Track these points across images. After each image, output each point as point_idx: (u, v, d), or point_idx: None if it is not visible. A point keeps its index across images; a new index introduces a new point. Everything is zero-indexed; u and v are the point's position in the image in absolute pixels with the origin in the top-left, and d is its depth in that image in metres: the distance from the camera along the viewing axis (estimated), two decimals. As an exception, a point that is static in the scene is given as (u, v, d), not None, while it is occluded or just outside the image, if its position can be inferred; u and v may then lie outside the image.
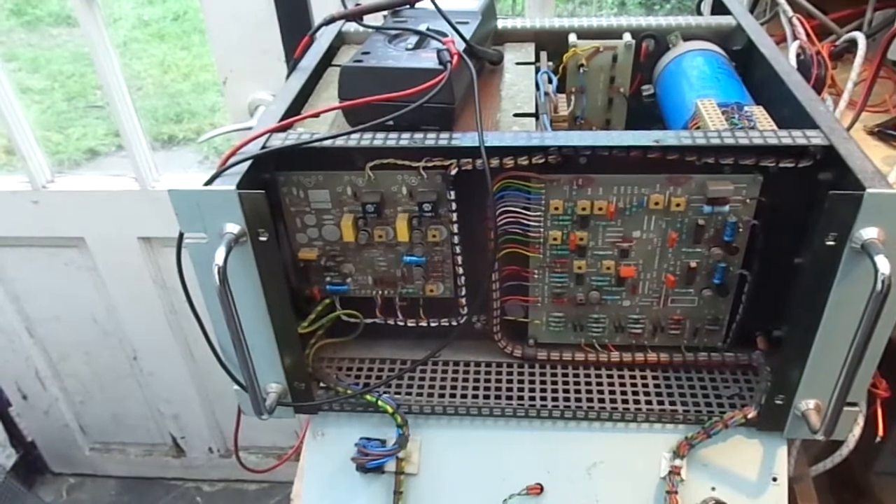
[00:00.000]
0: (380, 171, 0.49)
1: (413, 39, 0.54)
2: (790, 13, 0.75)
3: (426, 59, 0.51)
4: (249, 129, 0.62)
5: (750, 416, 0.51)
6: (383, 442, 0.55)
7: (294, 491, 0.67)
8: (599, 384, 0.56)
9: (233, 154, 0.47)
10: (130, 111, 1.19)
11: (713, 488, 0.53)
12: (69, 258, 1.37)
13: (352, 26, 0.68)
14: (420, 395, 0.56)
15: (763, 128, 0.50)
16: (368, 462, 0.54)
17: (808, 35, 0.72)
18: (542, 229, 0.51)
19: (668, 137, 0.46)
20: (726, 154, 0.46)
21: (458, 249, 0.52)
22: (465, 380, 0.57)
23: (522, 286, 0.55)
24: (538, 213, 0.50)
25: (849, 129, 0.61)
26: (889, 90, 0.75)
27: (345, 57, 0.66)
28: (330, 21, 0.61)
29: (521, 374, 0.57)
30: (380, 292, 0.56)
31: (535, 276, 0.54)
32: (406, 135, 0.48)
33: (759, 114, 0.52)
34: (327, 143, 0.48)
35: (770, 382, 0.50)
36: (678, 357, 0.56)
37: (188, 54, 2.59)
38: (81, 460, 1.72)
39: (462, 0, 0.63)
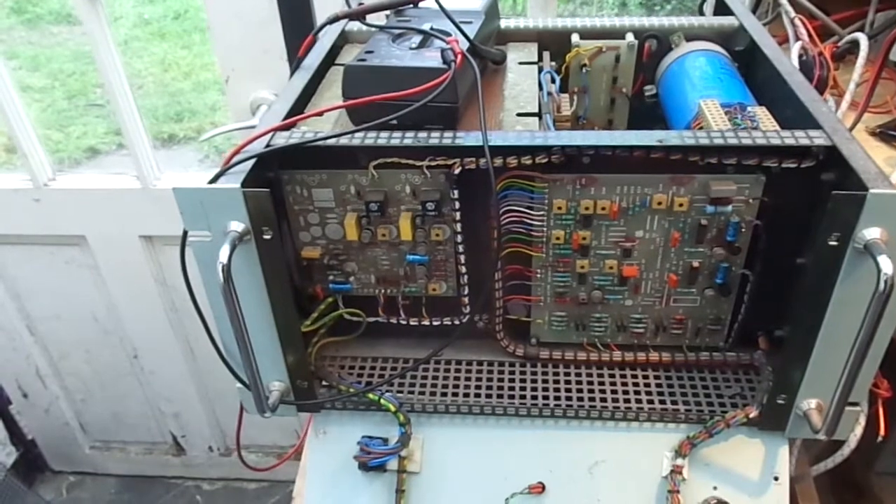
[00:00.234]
0: (383, 170, 0.49)
1: (417, 39, 0.54)
2: (792, 14, 0.75)
3: (430, 58, 0.51)
4: (251, 128, 0.63)
5: (752, 415, 0.51)
6: (385, 440, 0.55)
7: (296, 489, 0.67)
8: (601, 383, 0.56)
9: (237, 152, 0.47)
10: (132, 109, 1.19)
11: (715, 487, 0.53)
12: (70, 256, 1.37)
13: (355, 25, 0.68)
14: (422, 393, 0.56)
15: (766, 128, 0.50)
16: (371, 460, 0.54)
17: (810, 36, 0.72)
18: (545, 229, 0.51)
19: (671, 137, 0.46)
20: (729, 154, 0.46)
21: (461, 248, 0.52)
22: (468, 379, 0.57)
23: (525, 285, 0.55)
24: (541, 213, 0.51)
25: (851, 129, 0.61)
26: (891, 91, 0.76)
27: (348, 56, 0.66)
28: (333, 20, 0.61)
29: (523, 373, 0.57)
30: (383, 291, 0.56)
31: (538, 276, 0.54)
32: (410, 134, 0.48)
33: (762, 114, 0.52)
34: (331, 141, 0.48)
35: (772, 382, 0.51)
36: (680, 357, 0.56)
37: (189, 53, 2.59)
38: (82, 458, 1.72)
39: (465, 0, 0.63)
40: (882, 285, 0.40)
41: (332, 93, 0.59)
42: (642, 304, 0.55)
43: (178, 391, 1.56)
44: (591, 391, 0.55)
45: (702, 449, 0.53)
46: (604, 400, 0.55)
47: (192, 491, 1.70)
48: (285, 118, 0.52)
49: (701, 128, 0.52)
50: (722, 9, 0.72)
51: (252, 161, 0.47)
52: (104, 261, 1.36)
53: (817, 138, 0.45)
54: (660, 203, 0.49)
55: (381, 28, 0.58)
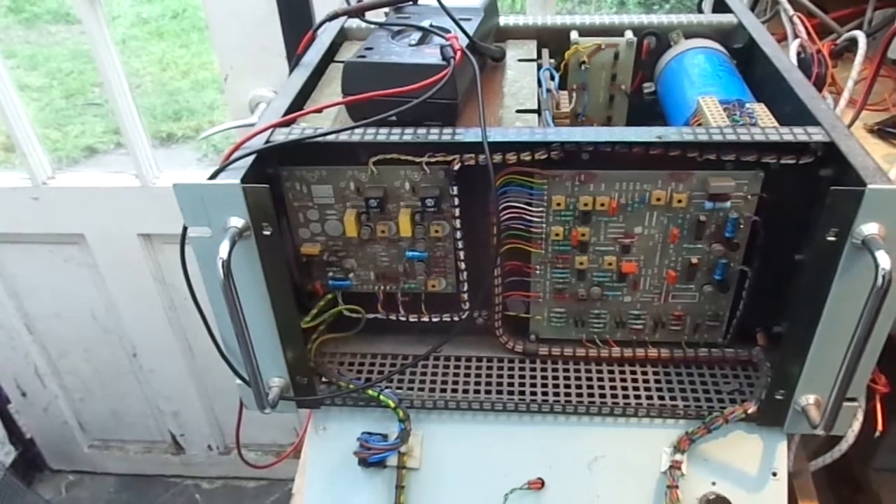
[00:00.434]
0: (383, 167, 0.49)
1: (416, 35, 0.55)
2: (791, 12, 0.75)
3: (429, 54, 0.51)
4: (250, 125, 0.62)
5: (750, 411, 0.51)
6: (385, 436, 0.55)
7: (296, 486, 0.68)
8: (600, 379, 0.56)
9: (236, 149, 0.48)
10: (131, 107, 1.19)
11: (713, 483, 0.53)
12: (69, 255, 1.37)
13: (354, 22, 0.68)
14: (422, 390, 0.56)
15: (764, 125, 0.50)
16: (371, 456, 0.54)
17: (808, 33, 0.73)
18: (544, 225, 0.51)
19: (670, 133, 0.46)
20: (728, 150, 0.46)
21: (460, 245, 0.52)
22: (467, 375, 0.57)
23: (524, 282, 0.55)
24: (540, 209, 0.51)
25: (849, 127, 0.61)
26: (889, 89, 0.76)
27: (347, 53, 0.66)
28: (333, 17, 0.62)
29: (522, 369, 0.57)
30: (382, 287, 0.56)
31: (537, 272, 0.54)
32: (409, 130, 0.48)
33: (761, 111, 0.52)
34: (331, 138, 0.48)
35: (770, 378, 0.51)
36: (679, 353, 0.56)
37: (187, 52, 2.59)
38: (80, 457, 1.72)
39: (464, -3, 0.63)
40: (880, 280, 0.40)
41: (331, 89, 0.59)
42: (641, 300, 0.55)
43: (177, 390, 1.55)
44: (590, 387, 0.56)
45: (700, 444, 0.53)
46: (603, 396, 0.55)
47: (191, 490, 1.70)
48: (285, 115, 0.52)
49: (700, 124, 0.53)
50: (721, 6, 0.72)
51: (252, 157, 0.47)
52: (103, 259, 1.36)
53: (816, 134, 0.46)
54: (658, 199, 0.49)
55: (380, 25, 0.58)
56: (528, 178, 0.49)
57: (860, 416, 0.52)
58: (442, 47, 0.51)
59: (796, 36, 0.73)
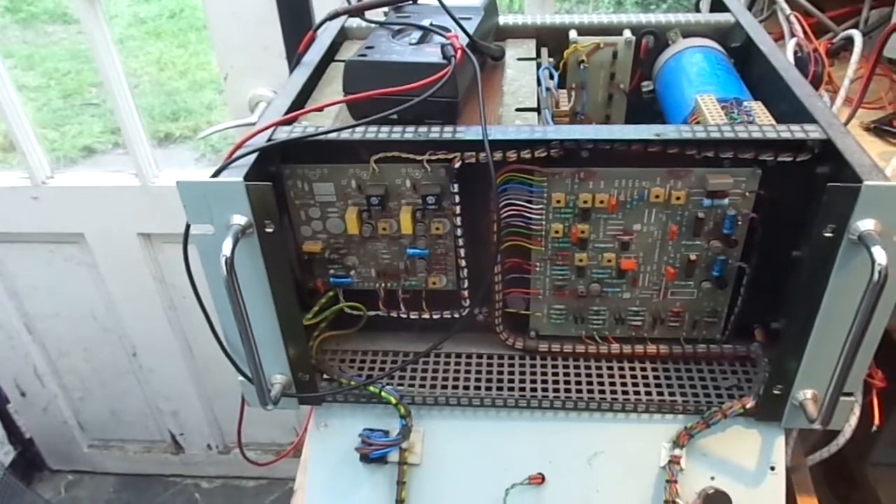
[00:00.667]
0: (384, 164, 0.50)
1: (416, 34, 0.55)
2: (788, 11, 0.76)
3: (430, 53, 0.52)
4: (249, 125, 0.63)
5: (748, 406, 0.52)
6: (387, 433, 0.55)
7: (297, 483, 0.68)
8: (600, 375, 0.57)
9: (239, 147, 0.48)
10: (131, 106, 1.19)
11: (712, 477, 0.53)
12: (69, 254, 1.37)
13: (354, 22, 0.68)
14: (423, 386, 0.57)
15: (762, 122, 0.51)
16: (372, 452, 0.54)
17: (805, 32, 0.73)
18: (543, 222, 0.52)
19: (668, 131, 0.47)
20: (726, 148, 0.47)
21: (460, 242, 0.52)
22: (468, 371, 0.58)
23: (524, 279, 0.55)
24: (540, 206, 0.51)
25: (845, 125, 0.61)
26: (885, 87, 0.76)
27: (348, 52, 0.66)
28: (333, 17, 0.62)
29: (522, 365, 0.58)
30: (383, 285, 0.57)
31: (537, 269, 0.55)
32: (410, 128, 0.49)
33: (758, 109, 0.52)
34: (332, 135, 0.48)
35: (768, 373, 0.51)
36: (677, 349, 0.57)
37: (184, 52, 2.59)
38: (80, 457, 1.72)
39: (464, -3, 0.63)
40: (876, 276, 0.40)
41: (332, 89, 0.59)
42: (640, 296, 0.55)
43: (176, 389, 1.56)
44: (589, 383, 0.56)
45: (699, 439, 0.54)
46: (602, 392, 0.55)
47: (190, 489, 1.71)
48: (286, 113, 0.52)
49: (698, 122, 0.53)
50: (718, 6, 0.72)
51: (254, 155, 0.47)
52: (103, 258, 1.36)
53: (813, 132, 0.46)
54: (657, 196, 0.49)
55: (381, 24, 0.58)
56: (528, 176, 0.50)
57: (857, 411, 0.53)
58: (442, 46, 0.51)
59: (793, 35, 0.73)
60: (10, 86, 1.21)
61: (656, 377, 0.56)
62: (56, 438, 1.69)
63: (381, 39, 0.55)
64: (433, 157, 0.48)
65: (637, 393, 0.55)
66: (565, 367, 0.58)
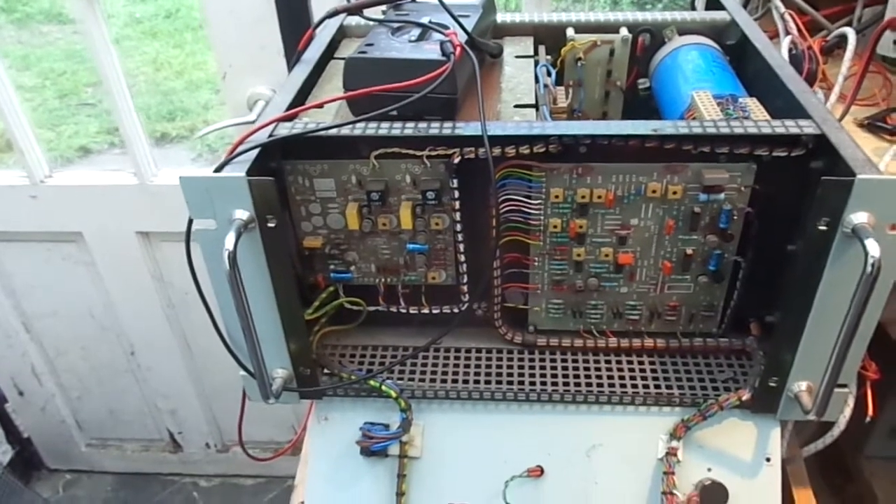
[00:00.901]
0: (384, 160, 0.50)
1: (416, 32, 0.55)
2: (782, 9, 0.77)
3: (429, 50, 0.52)
4: (248, 123, 0.63)
5: (744, 398, 0.52)
6: (387, 426, 0.56)
7: (297, 478, 0.68)
8: (598, 369, 0.57)
9: (241, 142, 0.48)
10: (129, 105, 1.20)
11: (709, 469, 0.54)
12: (67, 253, 1.37)
13: (353, 20, 0.69)
14: (423, 380, 0.57)
15: (757, 118, 0.51)
16: (373, 445, 0.55)
17: (799, 30, 0.74)
18: (542, 217, 0.52)
19: (665, 127, 0.48)
20: (721, 143, 0.47)
21: (460, 237, 0.53)
22: (467, 366, 0.58)
23: (523, 273, 0.56)
24: (539, 202, 0.52)
25: (839, 121, 0.62)
26: (878, 84, 0.77)
27: (347, 50, 0.67)
28: (332, 14, 0.63)
29: (521, 359, 0.58)
30: (383, 280, 0.57)
31: (536, 264, 0.55)
32: (410, 124, 0.49)
33: (753, 105, 0.53)
34: (333, 131, 0.49)
35: (763, 366, 0.52)
36: (674, 342, 0.58)
37: (181, 52, 2.59)
38: (78, 456, 1.72)
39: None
40: (869, 268, 0.41)
41: (332, 86, 0.60)
42: (637, 291, 0.56)
43: (174, 388, 1.56)
44: (587, 377, 0.57)
45: (696, 431, 0.54)
46: (600, 385, 0.56)
47: (188, 488, 1.71)
48: (287, 110, 0.53)
49: (694, 118, 0.54)
50: (714, 4, 0.73)
51: (256, 151, 0.47)
52: (101, 257, 1.36)
53: (807, 127, 0.47)
54: (654, 191, 0.50)
55: (380, 22, 0.59)
56: (526, 172, 0.50)
57: (851, 402, 0.53)
58: (442, 43, 0.52)
59: (788, 33, 0.74)
60: (8, 85, 1.21)
61: (653, 370, 0.57)
62: (54, 437, 1.69)
63: (381, 37, 0.56)
64: (433, 153, 0.49)
65: (635, 386, 0.56)
66: (563, 360, 0.58)
